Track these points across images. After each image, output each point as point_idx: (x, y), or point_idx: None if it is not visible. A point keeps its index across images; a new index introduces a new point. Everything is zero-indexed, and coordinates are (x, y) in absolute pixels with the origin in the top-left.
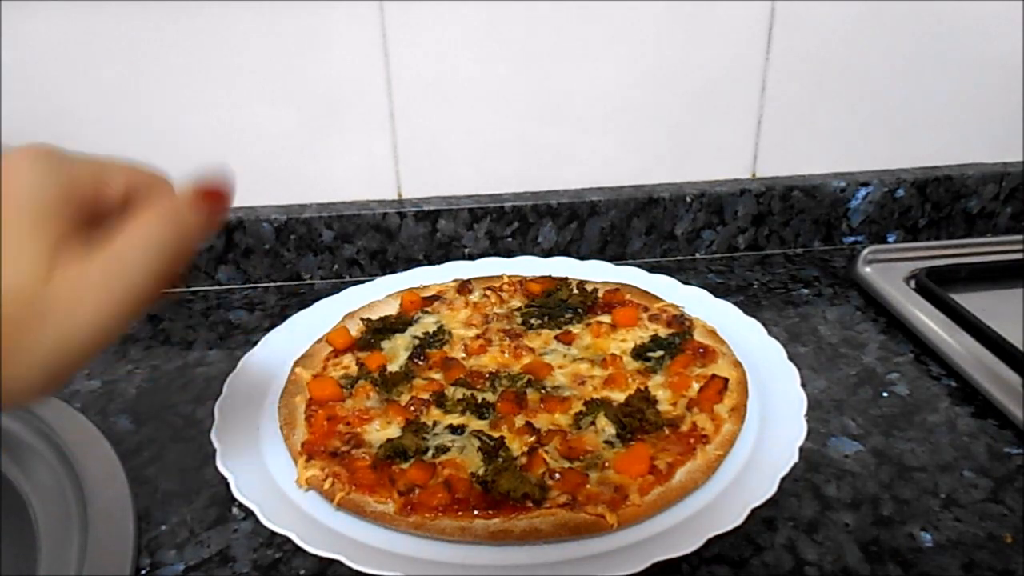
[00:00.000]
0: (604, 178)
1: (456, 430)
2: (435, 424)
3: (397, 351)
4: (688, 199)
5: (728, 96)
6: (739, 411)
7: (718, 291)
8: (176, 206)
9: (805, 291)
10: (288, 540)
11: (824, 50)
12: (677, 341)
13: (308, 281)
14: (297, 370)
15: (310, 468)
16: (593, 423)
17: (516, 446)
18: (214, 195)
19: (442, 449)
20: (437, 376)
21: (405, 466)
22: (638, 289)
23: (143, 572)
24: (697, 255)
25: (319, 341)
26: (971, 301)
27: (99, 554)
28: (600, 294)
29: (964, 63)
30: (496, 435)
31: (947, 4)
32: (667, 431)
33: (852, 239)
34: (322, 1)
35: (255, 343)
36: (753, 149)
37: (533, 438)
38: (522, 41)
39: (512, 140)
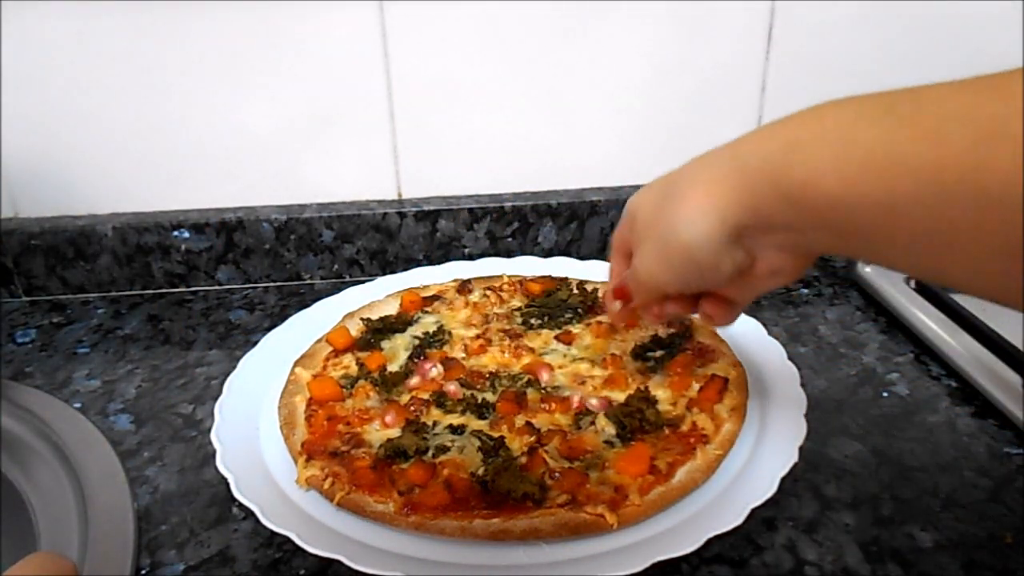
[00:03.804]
0: (604, 178)
1: (456, 430)
2: (435, 424)
3: (397, 351)
4: None
5: (728, 96)
6: (739, 411)
7: None
8: None
9: (805, 291)
10: (288, 540)
11: (824, 50)
12: (677, 341)
13: (308, 281)
14: (297, 370)
15: (310, 468)
16: (593, 423)
17: (516, 446)
18: None
19: (442, 449)
20: (437, 376)
21: (405, 466)
22: None
23: (143, 572)
24: None
25: (319, 341)
26: (971, 301)
27: (99, 554)
28: (600, 294)
29: (964, 63)
30: (496, 435)
31: (947, 4)
32: (667, 431)
33: None
34: (322, 1)
35: (255, 343)
36: None
37: (533, 438)
38: (522, 41)
39: (512, 140)
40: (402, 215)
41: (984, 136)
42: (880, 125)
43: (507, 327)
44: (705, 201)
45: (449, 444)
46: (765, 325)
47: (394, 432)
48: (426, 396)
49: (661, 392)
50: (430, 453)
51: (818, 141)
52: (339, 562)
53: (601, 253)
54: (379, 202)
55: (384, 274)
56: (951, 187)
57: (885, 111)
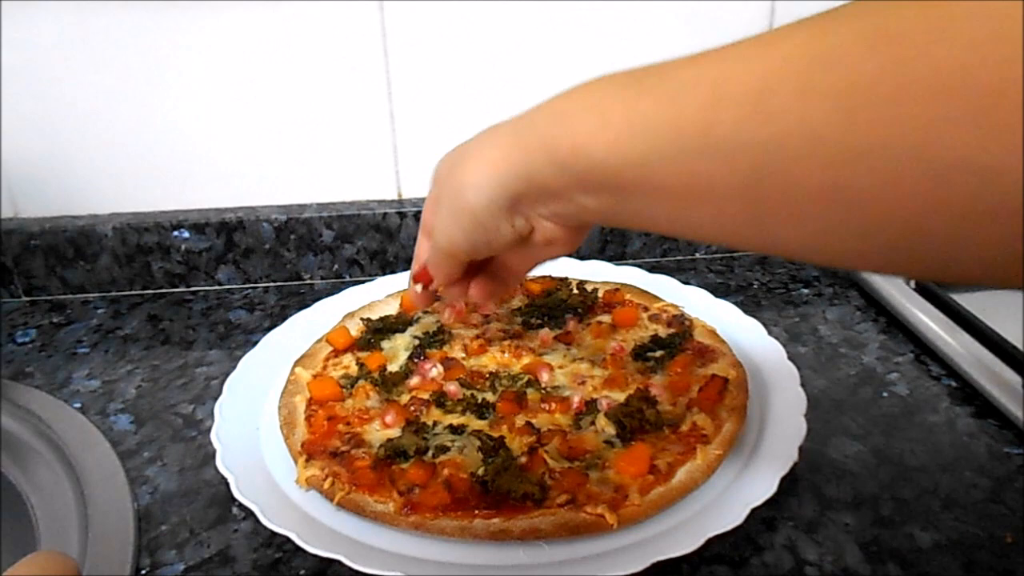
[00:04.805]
0: None
1: (456, 430)
2: (435, 424)
3: (397, 351)
4: None
5: None
6: (739, 411)
7: (718, 291)
8: None
9: (805, 291)
10: (288, 540)
11: None
12: (677, 341)
13: (308, 281)
14: (297, 370)
15: (310, 468)
16: (593, 423)
17: (516, 446)
18: None
19: (442, 449)
20: (437, 376)
21: (405, 466)
22: (638, 289)
23: (143, 572)
24: (697, 255)
25: (319, 341)
26: (971, 301)
27: (99, 554)
28: (600, 294)
29: None
30: (496, 435)
31: None
32: (667, 431)
33: None
34: (322, 1)
35: (255, 343)
36: None
37: (533, 438)
38: (522, 41)
39: None
40: (402, 215)
41: (710, 99)
42: (632, 94)
43: (507, 327)
44: (488, 168)
45: (449, 444)
46: (765, 325)
47: (394, 432)
48: (426, 396)
49: (661, 392)
50: (430, 453)
51: (582, 111)
52: (339, 562)
53: (601, 253)
54: (379, 202)
55: (384, 274)
56: (688, 143)
57: (636, 82)
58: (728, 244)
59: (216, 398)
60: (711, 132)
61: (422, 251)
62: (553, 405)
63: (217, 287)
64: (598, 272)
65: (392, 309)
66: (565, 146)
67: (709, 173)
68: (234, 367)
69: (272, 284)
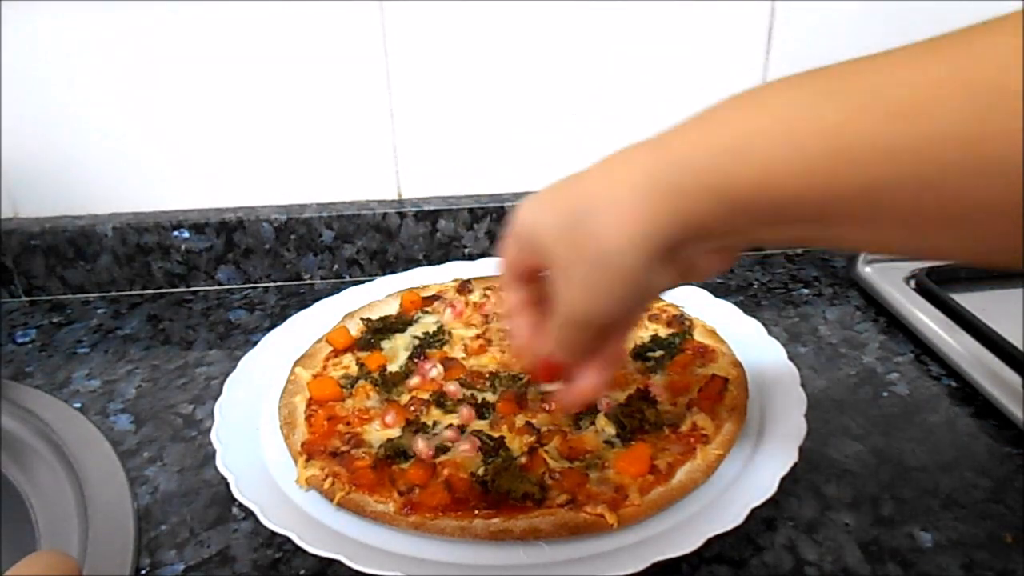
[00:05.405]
0: None
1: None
2: (435, 424)
3: (397, 351)
4: None
5: (728, 95)
6: (739, 411)
7: (718, 291)
8: None
9: (805, 291)
10: (288, 540)
11: (824, 50)
12: (677, 341)
13: (308, 281)
14: (297, 370)
15: (310, 468)
16: (593, 423)
17: (516, 446)
18: None
19: (442, 449)
20: (437, 376)
21: (405, 466)
22: None
23: (143, 572)
24: None
25: (319, 341)
26: (971, 301)
27: (99, 554)
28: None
29: None
30: (496, 435)
31: (947, 4)
32: (667, 431)
33: None
34: (322, 1)
35: (255, 343)
36: None
37: (533, 438)
38: (522, 41)
39: (512, 140)
40: (402, 215)
41: (981, 105)
42: (842, 108)
43: (507, 327)
44: (631, 225)
45: (449, 444)
46: (765, 325)
47: (394, 432)
48: (426, 396)
49: (661, 392)
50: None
51: (767, 137)
52: (339, 562)
53: None
54: (379, 202)
55: (384, 274)
56: (941, 163)
57: (842, 91)
58: (974, 262)
59: (216, 398)
60: (978, 148)
61: (517, 297)
62: (553, 405)
63: (217, 287)
64: None
65: (392, 309)
66: (746, 183)
67: (975, 194)
68: (234, 367)
69: (272, 284)
